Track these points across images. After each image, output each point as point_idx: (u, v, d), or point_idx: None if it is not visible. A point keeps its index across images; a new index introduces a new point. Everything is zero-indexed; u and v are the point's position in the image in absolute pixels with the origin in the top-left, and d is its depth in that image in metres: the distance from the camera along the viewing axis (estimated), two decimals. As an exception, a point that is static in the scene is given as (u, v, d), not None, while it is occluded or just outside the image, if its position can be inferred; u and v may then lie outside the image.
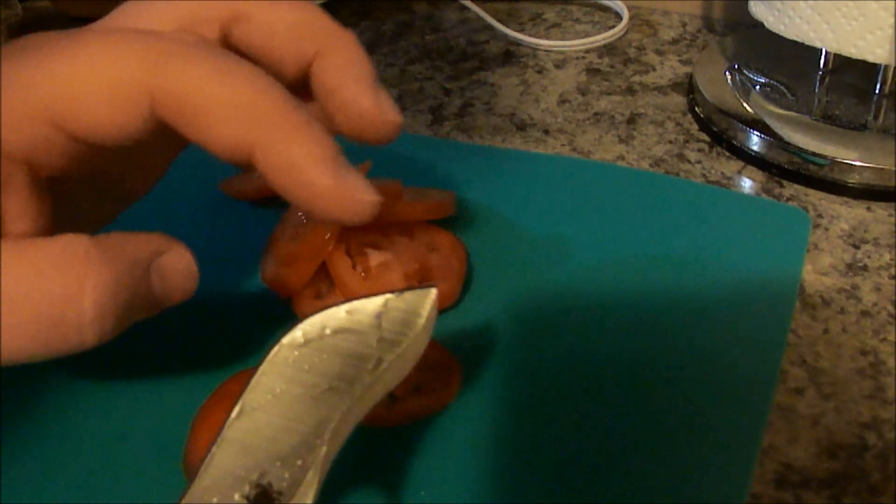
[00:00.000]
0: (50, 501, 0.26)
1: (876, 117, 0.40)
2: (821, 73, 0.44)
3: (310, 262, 0.32)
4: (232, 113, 0.19)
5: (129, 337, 0.31)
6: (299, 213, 0.35)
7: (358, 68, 0.22)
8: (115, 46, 0.19)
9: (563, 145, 0.44)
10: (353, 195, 0.20)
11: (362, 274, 0.32)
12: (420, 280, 0.32)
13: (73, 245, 0.18)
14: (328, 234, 0.32)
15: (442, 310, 0.31)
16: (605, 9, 0.60)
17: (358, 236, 0.33)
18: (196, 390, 0.28)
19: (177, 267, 0.21)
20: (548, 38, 0.56)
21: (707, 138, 0.43)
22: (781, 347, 0.29)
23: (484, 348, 0.30)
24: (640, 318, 0.31)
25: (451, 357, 0.30)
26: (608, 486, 0.25)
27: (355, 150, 0.44)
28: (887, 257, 0.34)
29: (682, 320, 0.31)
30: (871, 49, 0.37)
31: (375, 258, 0.33)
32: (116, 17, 0.22)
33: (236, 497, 0.17)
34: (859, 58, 0.38)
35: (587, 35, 0.55)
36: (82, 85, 0.18)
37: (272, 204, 0.40)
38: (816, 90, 0.43)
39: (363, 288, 0.31)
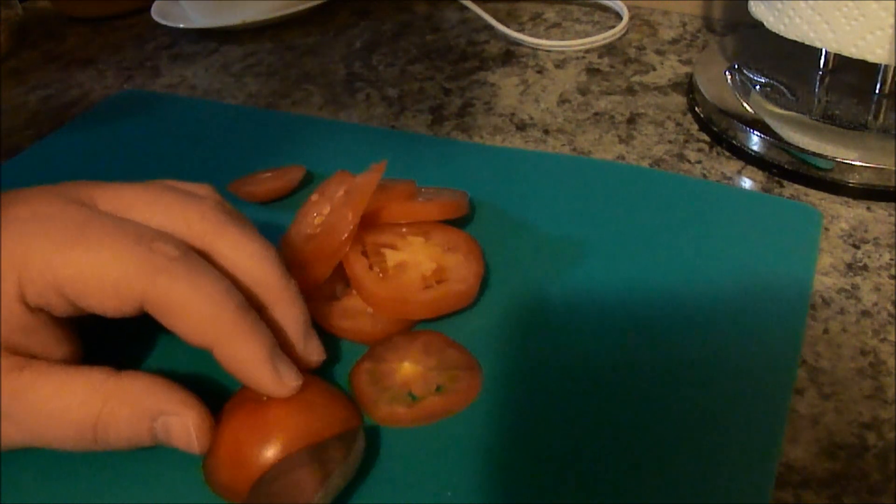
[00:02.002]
0: (65, 502, 0.26)
1: (876, 117, 0.40)
2: (821, 73, 0.44)
3: (326, 263, 0.31)
4: (199, 323, 0.25)
5: (141, 342, 0.32)
6: (314, 214, 0.34)
7: (293, 320, 0.28)
8: (121, 252, 0.25)
9: (563, 145, 0.44)
10: (285, 381, 0.26)
11: (380, 274, 0.31)
12: (438, 281, 0.32)
13: (96, 381, 0.25)
14: (345, 235, 0.31)
15: (460, 310, 0.32)
16: (605, 9, 0.60)
17: (374, 236, 0.33)
18: (210, 393, 0.28)
19: (178, 431, 0.25)
20: (548, 38, 0.56)
21: (707, 138, 0.43)
22: (797, 347, 0.29)
23: (503, 348, 0.30)
24: (658, 319, 0.31)
25: (472, 357, 0.30)
26: (629, 485, 0.25)
27: (373, 149, 0.44)
28: (887, 257, 0.34)
29: (698, 320, 0.31)
30: (871, 49, 0.37)
31: (392, 258, 0.32)
32: (118, 200, 0.27)
33: None
34: (859, 58, 0.38)
35: (587, 35, 0.55)
36: (91, 279, 0.24)
37: (281, 205, 0.40)
38: (816, 90, 0.43)
39: (381, 289, 0.31)
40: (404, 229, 0.34)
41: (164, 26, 0.63)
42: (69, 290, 0.24)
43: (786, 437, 0.27)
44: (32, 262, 0.24)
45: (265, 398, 0.26)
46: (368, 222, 0.33)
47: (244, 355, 0.25)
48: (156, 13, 0.64)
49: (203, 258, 0.26)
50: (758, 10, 0.42)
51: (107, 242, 0.25)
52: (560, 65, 0.53)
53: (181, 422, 0.25)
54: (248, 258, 0.27)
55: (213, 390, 0.28)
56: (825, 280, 0.33)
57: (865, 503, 0.24)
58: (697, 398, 0.28)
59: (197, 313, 0.25)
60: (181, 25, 0.62)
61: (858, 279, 0.33)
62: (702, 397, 0.28)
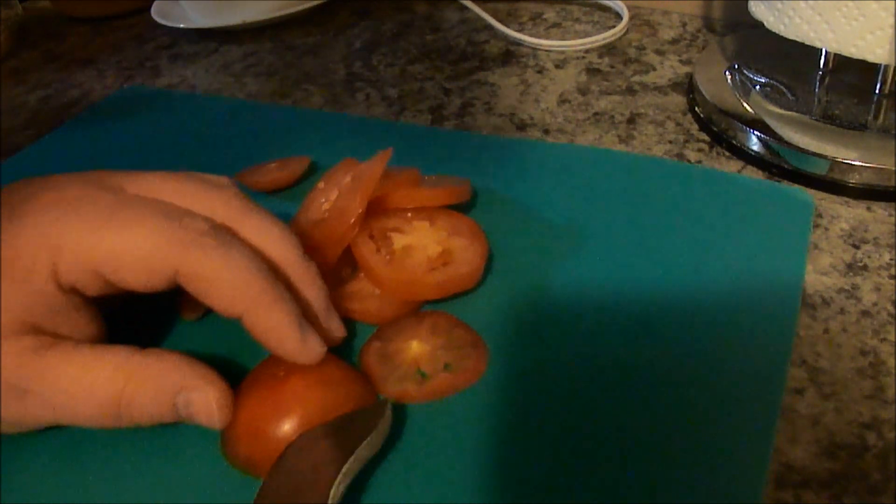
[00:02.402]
0: (85, 478, 0.27)
1: (876, 117, 0.40)
2: (821, 73, 0.44)
3: (335, 247, 0.32)
4: (229, 292, 0.26)
5: (159, 326, 0.33)
6: (321, 200, 0.35)
7: (315, 297, 0.29)
8: (153, 228, 0.26)
9: (563, 145, 0.44)
10: (311, 347, 0.27)
11: (387, 257, 0.32)
12: (443, 263, 0.32)
13: (120, 359, 0.26)
14: (353, 219, 0.32)
15: (465, 292, 0.32)
16: (605, 9, 0.60)
17: (380, 221, 0.34)
18: (228, 372, 0.28)
19: (200, 406, 0.26)
20: (548, 38, 0.56)
21: (707, 138, 0.43)
22: (790, 333, 0.30)
23: (507, 328, 0.31)
24: (653, 307, 0.31)
25: (478, 337, 0.30)
26: (624, 471, 0.25)
27: (376, 140, 0.44)
28: (887, 257, 0.34)
29: (690, 309, 0.31)
30: (871, 49, 0.37)
31: (399, 242, 0.33)
32: (146, 187, 0.28)
33: None
34: (859, 58, 0.38)
35: (587, 35, 0.55)
36: (126, 255, 0.25)
37: (286, 195, 0.41)
38: (816, 90, 0.43)
39: (388, 271, 0.32)
40: (409, 214, 0.35)
41: (164, 26, 0.62)
42: (105, 267, 0.25)
43: (786, 437, 0.27)
44: (67, 243, 0.25)
45: (282, 374, 0.27)
46: (374, 208, 0.34)
47: (272, 322, 0.26)
48: (156, 13, 0.64)
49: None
50: (758, 10, 0.42)
51: (139, 220, 0.26)
52: (560, 65, 0.53)
53: (203, 397, 0.26)
54: (272, 241, 0.28)
55: (229, 372, 0.29)
56: (825, 280, 0.33)
57: (865, 503, 0.24)
58: (693, 388, 0.28)
59: (228, 283, 0.26)
60: (181, 25, 0.62)
61: (858, 279, 0.33)
62: (697, 387, 0.28)
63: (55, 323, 0.26)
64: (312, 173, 0.42)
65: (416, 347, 0.30)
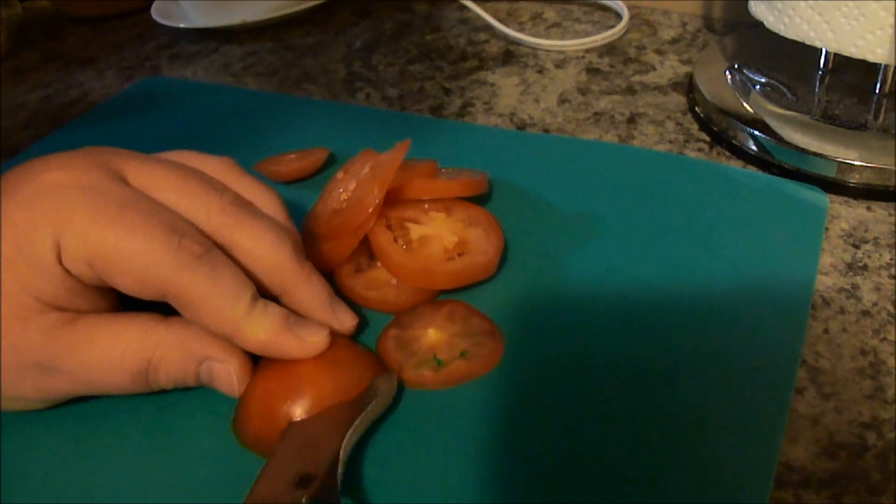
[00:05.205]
0: (96, 456, 0.28)
1: (876, 117, 0.40)
2: (821, 73, 0.44)
3: (352, 236, 0.33)
4: (213, 318, 0.27)
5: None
6: (340, 190, 0.35)
7: (317, 299, 0.29)
8: (154, 243, 0.26)
9: (563, 145, 0.44)
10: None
11: (404, 247, 0.33)
12: (460, 253, 0.33)
13: (148, 328, 0.27)
14: (371, 209, 0.32)
15: (481, 281, 0.33)
16: (605, 8, 0.60)
17: (397, 211, 0.34)
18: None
19: (221, 375, 0.28)
20: (548, 38, 0.56)
21: (707, 138, 0.43)
22: (800, 339, 0.30)
23: (522, 317, 0.31)
24: (667, 302, 0.31)
25: (494, 326, 0.31)
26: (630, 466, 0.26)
27: (393, 132, 0.45)
28: (887, 257, 0.34)
29: (704, 299, 0.31)
30: (871, 49, 0.37)
31: (416, 232, 0.33)
32: (148, 178, 0.28)
33: (288, 482, 0.24)
34: (859, 58, 0.38)
35: (587, 35, 0.55)
36: (122, 261, 0.26)
37: (305, 185, 0.41)
38: (816, 90, 0.43)
39: (405, 260, 0.32)
40: (426, 205, 0.35)
41: (164, 26, 0.62)
42: (99, 265, 0.26)
43: (786, 437, 0.27)
44: (71, 230, 0.26)
45: None
46: (392, 199, 0.34)
47: (260, 337, 0.27)
48: (156, 13, 0.64)
49: (223, 249, 0.28)
50: (758, 9, 0.42)
51: (142, 231, 0.26)
52: (560, 64, 0.53)
53: (225, 368, 0.28)
54: (266, 247, 0.29)
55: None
56: (825, 280, 0.33)
57: (865, 503, 0.24)
58: (701, 386, 0.28)
59: (210, 310, 0.27)
60: (181, 25, 0.62)
61: (858, 279, 0.33)
62: (706, 385, 0.28)
63: (72, 300, 0.27)
64: (331, 164, 0.43)
65: (432, 335, 0.30)
